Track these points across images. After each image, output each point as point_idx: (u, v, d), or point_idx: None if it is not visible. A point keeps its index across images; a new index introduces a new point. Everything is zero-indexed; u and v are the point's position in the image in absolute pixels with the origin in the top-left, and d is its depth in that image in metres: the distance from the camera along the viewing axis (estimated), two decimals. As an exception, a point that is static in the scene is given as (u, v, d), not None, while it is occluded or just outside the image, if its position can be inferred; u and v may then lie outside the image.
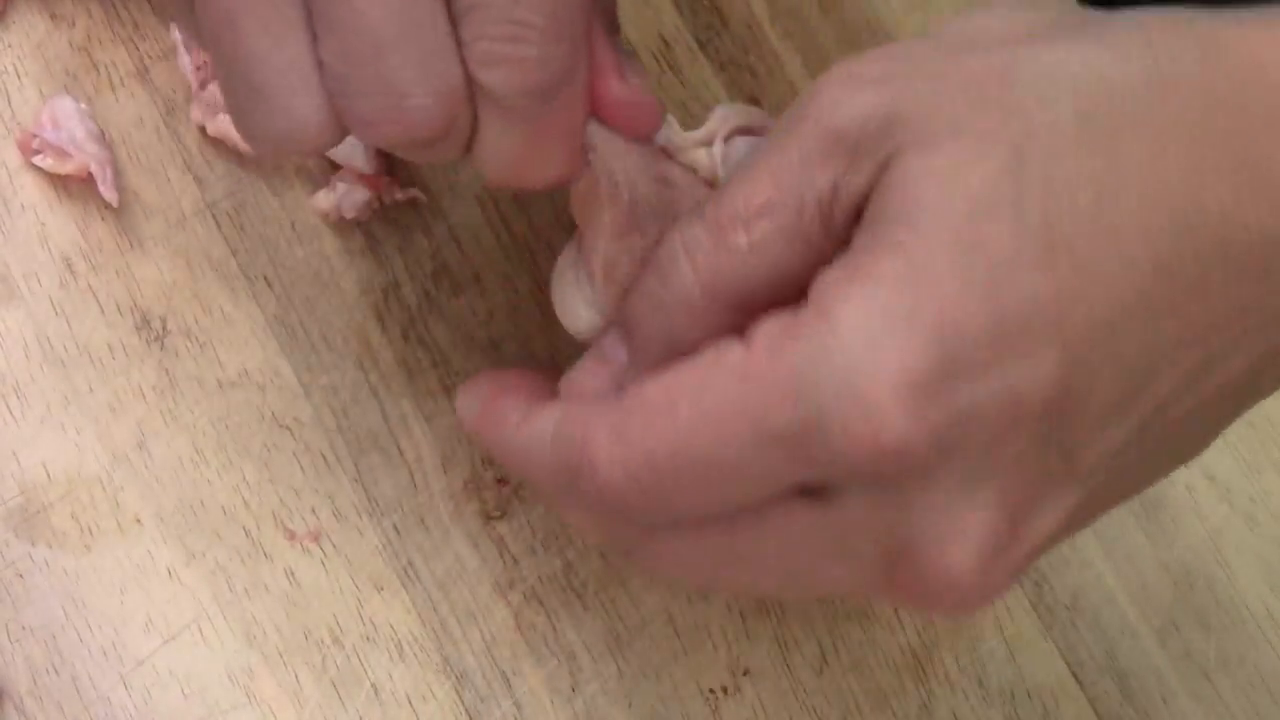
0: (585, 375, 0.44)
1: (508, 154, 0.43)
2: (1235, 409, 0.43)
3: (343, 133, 0.42)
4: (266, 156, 0.42)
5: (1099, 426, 0.40)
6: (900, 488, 0.39)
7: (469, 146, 0.43)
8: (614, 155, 0.45)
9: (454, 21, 0.41)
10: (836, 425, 0.38)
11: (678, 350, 0.42)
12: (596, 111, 0.44)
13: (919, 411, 0.38)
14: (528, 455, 0.43)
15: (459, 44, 0.41)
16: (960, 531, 0.40)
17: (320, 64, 0.41)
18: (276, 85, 0.41)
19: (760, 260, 0.41)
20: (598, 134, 0.44)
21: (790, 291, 0.41)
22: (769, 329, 0.39)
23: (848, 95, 0.40)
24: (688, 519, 0.42)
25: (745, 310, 0.41)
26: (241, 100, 0.42)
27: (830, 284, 0.39)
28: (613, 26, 0.45)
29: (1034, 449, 0.39)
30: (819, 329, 0.39)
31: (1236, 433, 0.58)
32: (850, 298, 0.38)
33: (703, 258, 0.42)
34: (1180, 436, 0.42)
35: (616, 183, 0.44)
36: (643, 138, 0.45)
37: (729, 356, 0.40)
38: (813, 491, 0.40)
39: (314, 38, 0.41)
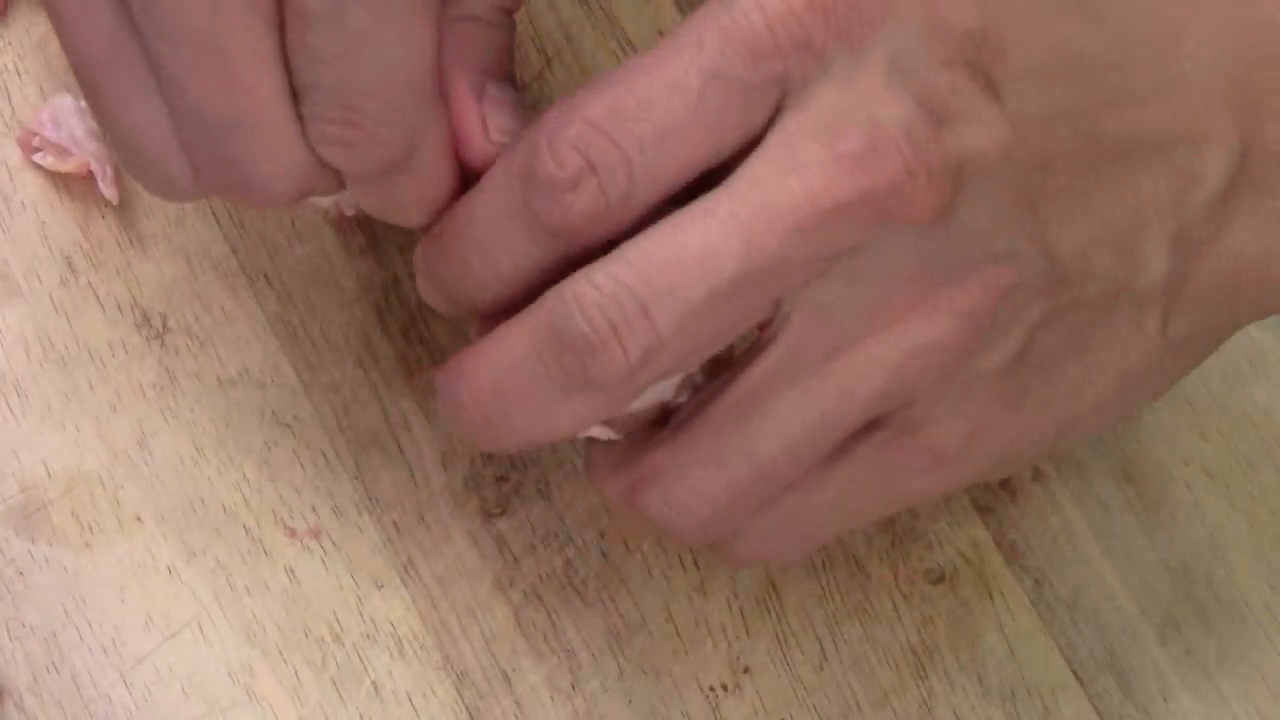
0: None
1: (375, 209, 0.45)
2: (1167, 225, 0.44)
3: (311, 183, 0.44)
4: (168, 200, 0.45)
5: (1022, 77, 0.42)
6: (831, 59, 0.42)
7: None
8: None
9: (295, 98, 0.42)
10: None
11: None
12: (465, 165, 0.45)
13: None
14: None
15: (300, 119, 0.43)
16: (887, 108, 0.42)
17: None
18: (143, 145, 0.43)
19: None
20: None
21: None
22: None
23: None
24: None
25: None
26: (122, 155, 0.44)
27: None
28: (493, 72, 0.45)
29: (958, 66, 0.41)
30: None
31: (1236, 430, 0.58)
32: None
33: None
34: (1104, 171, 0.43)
35: None
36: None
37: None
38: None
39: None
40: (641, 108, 0.42)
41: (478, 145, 0.45)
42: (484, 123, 0.45)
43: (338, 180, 0.45)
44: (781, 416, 0.44)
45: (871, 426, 0.45)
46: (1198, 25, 0.43)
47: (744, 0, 0.42)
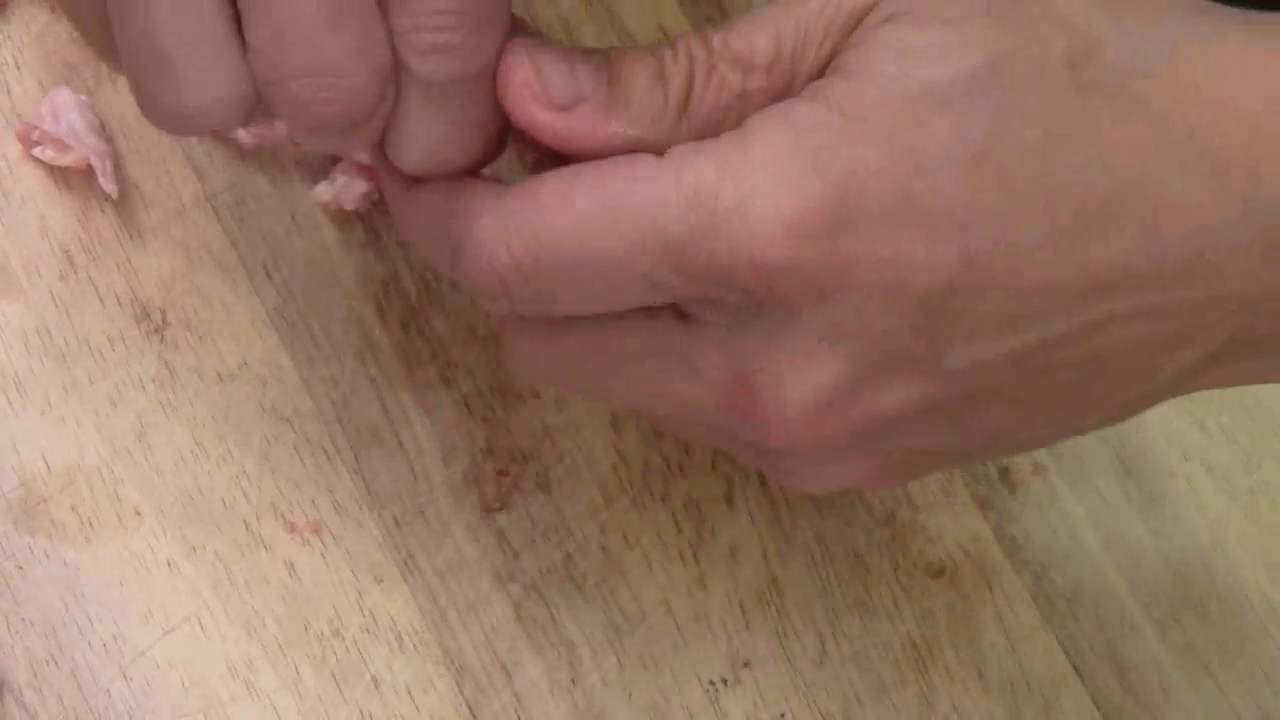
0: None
1: (434, 137, 0.43)
2: (1142, 386, 0.43)
3: (249, 115, 0.42)
4: (167, 131, 0.42)
5: (975, 336, 0.41)
6: (762, 316, 0.41)
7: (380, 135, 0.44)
8: None
9: (383, 9, 0.41)
10: (723, 237, 0.40)
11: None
12: None
13: (801, 246, 0.39)
14: (414, 219, 0.44)
15: (391, 33, 0.41)
16: (804, 372, 0.41)
17: (245, 45, 0.41)
18: (189, 57, 0.41)
19: (739, 108, 0.42)
20: None
21: None
22: (687, 146, 0.41)
23: None
24: (557, 314, 0.43)
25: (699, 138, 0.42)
26: (148, 72, 0.41)
27: (760, 115, 0.41)
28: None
29: (903, 329, 0.41)
30: (732, 150, 0.40)
31: (1236, 424, 0.58)
32: (771, 129, 0.40)
33: (695, 81, 0.42)
34: (1070, 390, 0.42)
35: None
36: None
37: (639, 163, 0.41)
38: (682, 314, 0.42)
39: (234, 14, 0.41)
40: (560, 269, 0.42)
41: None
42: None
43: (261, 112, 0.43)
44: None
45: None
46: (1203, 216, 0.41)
47: (700, 224, 0.40)
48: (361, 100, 0.41)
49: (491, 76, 0.43)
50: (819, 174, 0.39)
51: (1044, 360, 0.41)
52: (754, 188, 0.40)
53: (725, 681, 0.54)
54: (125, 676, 0.51)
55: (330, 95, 0.41)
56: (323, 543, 0.53)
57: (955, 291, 0.40)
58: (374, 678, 0.52)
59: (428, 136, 0.43)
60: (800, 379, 0.41)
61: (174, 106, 0.41)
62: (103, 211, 0.54)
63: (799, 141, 0.40)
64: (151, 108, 0.42)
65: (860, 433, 0.42)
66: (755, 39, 0.42)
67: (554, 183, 0.42)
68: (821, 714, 0.54)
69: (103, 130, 0.54)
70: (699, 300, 0.42)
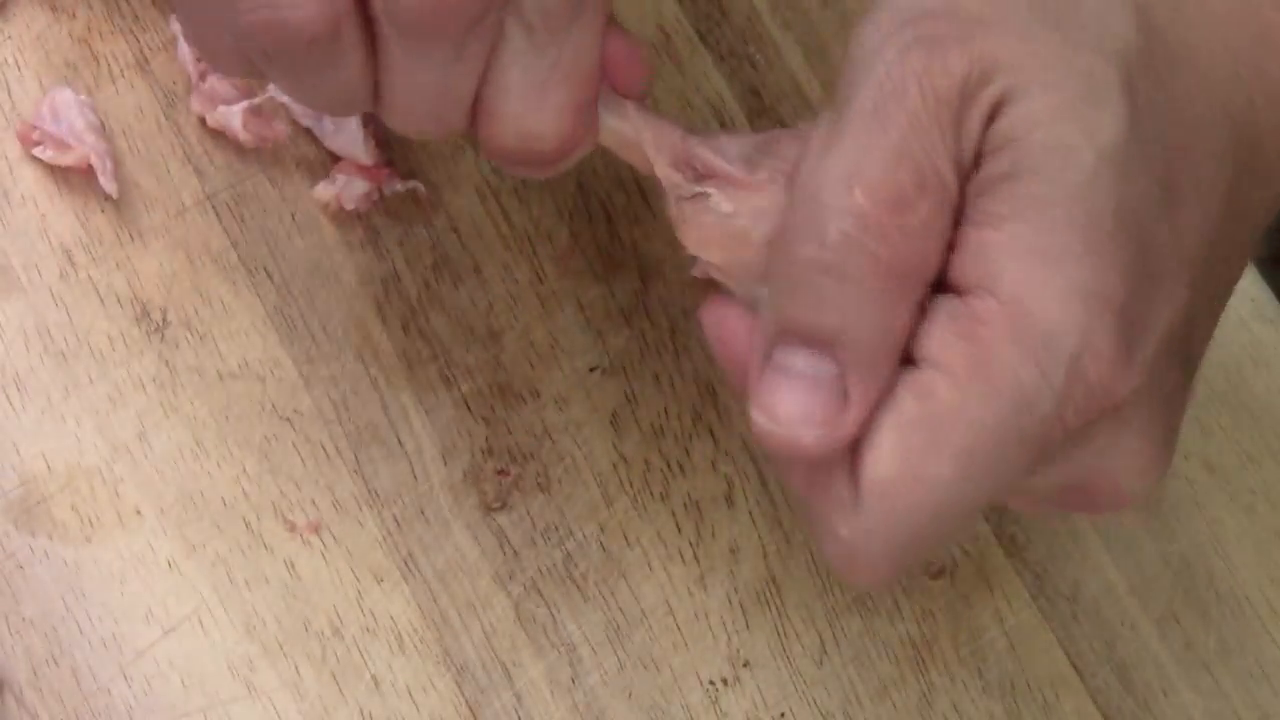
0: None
1: (412, 97, 0.43)
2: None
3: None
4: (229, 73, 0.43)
5: (1203, 337, 0.43)
6: (1101, 426, 0.40)
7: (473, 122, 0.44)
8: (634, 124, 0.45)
9: None
10: (1077, 396, 0.39)
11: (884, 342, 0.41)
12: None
13: (1132, 361, 0.39)
14: None
15: None
16: (1136, 462, 0.42)
17: None
18: None
19: (930, 236, 0.40)
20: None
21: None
22: (956, 354, 0.39)
23: (939, 58, 0.40)
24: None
25: (922, 283, 0.41)
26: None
27: (1000, 262, 0.39)
28: None
29: (1175, 372, 0.41)
30: (1017, 320, 0.39)
31: (1236, 424, 0.58)
32: (1030, 278, 0.39)
33: (883, 247, 0.40)
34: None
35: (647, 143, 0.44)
36: (634, 92, 0.45)
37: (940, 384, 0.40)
38: None
39: None
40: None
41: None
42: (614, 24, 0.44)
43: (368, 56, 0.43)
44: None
45: None
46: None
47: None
48: (305, 28, 0.41)
49: (472, 34, 0.42)
50: (1100, 300, 0.39)
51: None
52: (1071, 344, 0.39)
53: (725, 681, 0.54)
54: (125, 675, 0.51)
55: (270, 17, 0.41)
56: (323, 542, 0.53)
57: (1193, 314, 0.41)
58: (374, 677, 0.52)
59: (406, 95, 0.43)
60: (1136, 469, 0.42)
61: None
62: (103, 211, 0.54)
63: (1059, 279, 0.39)
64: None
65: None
66: (885, 174, 0.40)
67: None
68: (821, 714, 0.54)
69: (103, 130, 0.54)
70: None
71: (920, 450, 0.39)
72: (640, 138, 0.44)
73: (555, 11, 0.42)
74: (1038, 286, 0.39)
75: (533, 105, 0.44)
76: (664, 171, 0.44)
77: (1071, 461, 0.41)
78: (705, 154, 0.43)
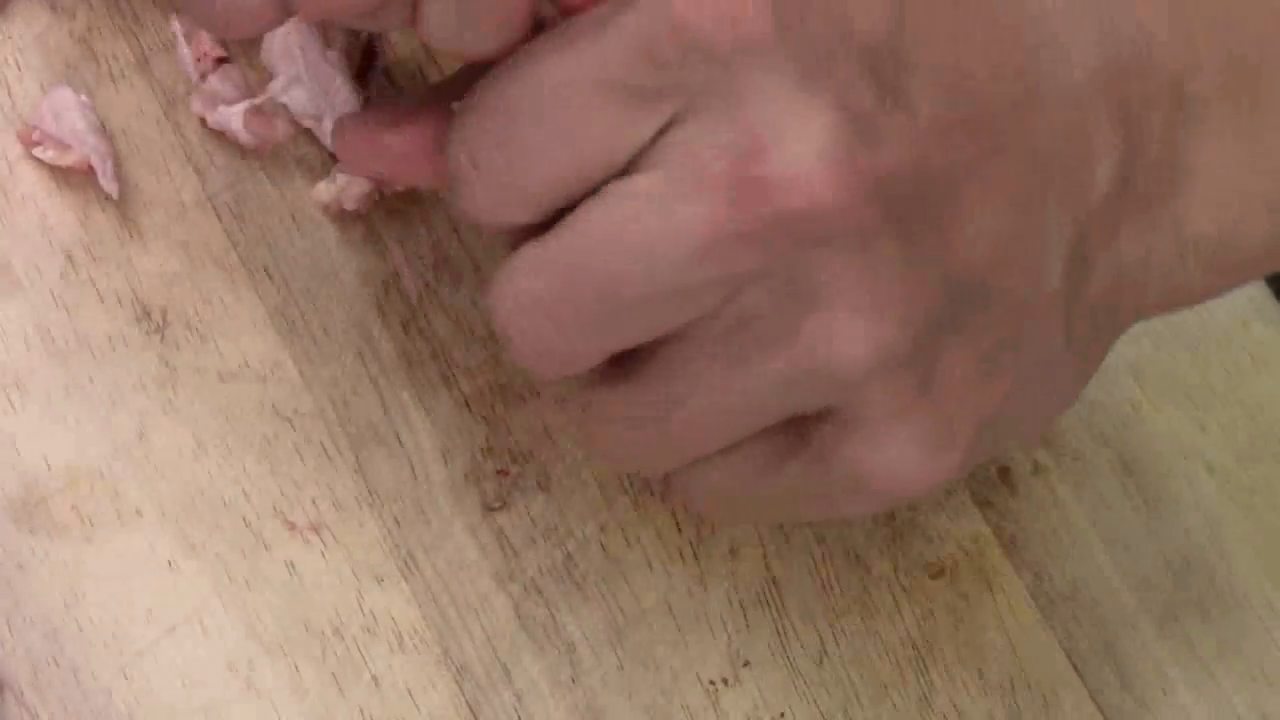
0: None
1: (450, 27, 0.43)
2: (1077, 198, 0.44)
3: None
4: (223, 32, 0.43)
5: (927, 93, 0.41)
6: (739, 66, 0.40)
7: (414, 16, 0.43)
8: None
9: None
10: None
11: None
12: None
13: None
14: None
15: None
16: (802, 122, 0.40)
17: None
18: None
19: None
20: None
21: None
22: None
23: None
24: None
25: None
26: None
27: None
28: None
29: (866, 79, 0.40)
30: None
31: (1235, 423, 0.58)
32: None
33: None
34: (1023, 179, 0.43)
35: None
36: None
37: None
38: None
39: None
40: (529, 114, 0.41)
41: None
42: None
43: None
44: (697, 394, 0.43)
45: (801, 440, 0.44)
46: (1082, 34, 0.43)
47: (644, 3, 0.40)
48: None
49: None
50: None
51: (993, 137, 0.41)
52: None
53: (725, 681, 0.54)
54: (126, 675, 0.51)
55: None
56: (323, 542, 0.53)
57: (895, 48, 0.40)
58: (374, 677, 0.52)
59: (451, 27, 0.42)
60: (801, 129, 0.40)
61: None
62: (103, 211, 0.54)
63: None
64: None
65: (882, 197, 0.41)
66: None
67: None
68: (821, 714, 0.54)
69: (103, 130, 0.54)
70: (670, 88, 0.40)
71: None
72: None
73: None
74: None
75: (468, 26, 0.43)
76: None
77: (726, 121, 0.40)
78: None
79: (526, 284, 0.42)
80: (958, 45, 0.41)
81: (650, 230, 0.41)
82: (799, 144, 0.40)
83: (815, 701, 0.54)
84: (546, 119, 0.41)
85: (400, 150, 0.46)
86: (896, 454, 0.43)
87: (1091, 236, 0.44)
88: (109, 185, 0.53)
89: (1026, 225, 0.43)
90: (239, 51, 0.55)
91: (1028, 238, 0.43)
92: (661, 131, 0.41)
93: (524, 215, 0.42)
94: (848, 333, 0.41)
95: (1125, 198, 0.44)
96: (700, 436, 0.44)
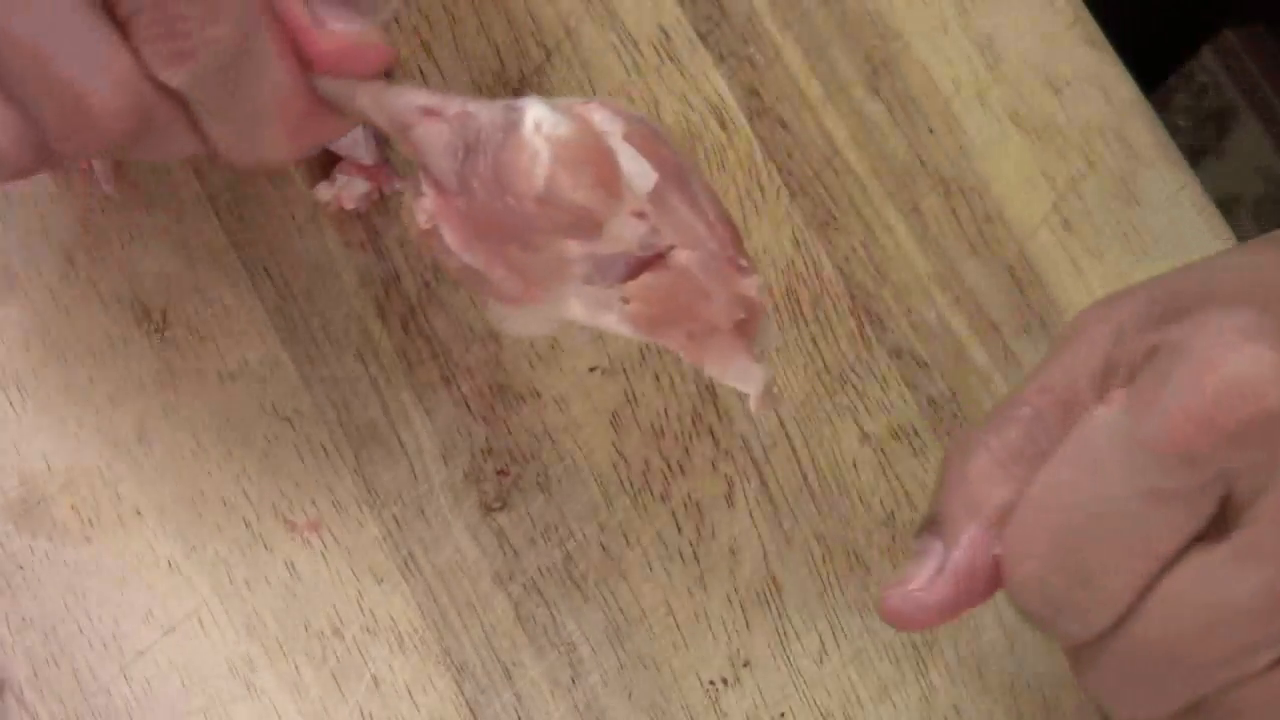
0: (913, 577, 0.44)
1: (240, 146, 0.44)
2: None
3: (43, 154, 0.43)
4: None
5: None
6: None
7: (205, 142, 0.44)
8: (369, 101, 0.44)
9: (124, 34, 0.42)
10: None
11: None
12: (320, 69, 0.44)
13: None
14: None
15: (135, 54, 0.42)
16: None
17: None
18: None
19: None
20: (329, 85, 0.44)
21: None
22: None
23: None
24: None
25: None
26: None
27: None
28: None
29: None
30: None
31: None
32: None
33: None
34: None
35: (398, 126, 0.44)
36: (373, 75, 0.45)
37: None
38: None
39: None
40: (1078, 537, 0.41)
41: (317, 39, 0.44)
42: (312, 18, 0.44)
43: (183, 115, 0.43)
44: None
45: None
46: None
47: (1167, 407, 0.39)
48: (112, 113, 0.42)
49: (247, 65, 0.42)
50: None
51: None
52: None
53: (726, 681, 0.54)
54: (125, 675, 0.51)
55: (79, 111, 0.42)
56: (323, 542, 0.53)
57: None
58: (374, 677, 0.52)
59: (227, 137, 0.44)
60: None
61: None
62: (103, 212, 0.54)
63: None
64: None
65: None
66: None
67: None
68: (821, 714, 0.54)
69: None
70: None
71: None
72: (375, 117, 0.44)
73: (219, 79, 0.43)
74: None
75: (250, 147, 0.44)
76: (403, 144, 0.44)
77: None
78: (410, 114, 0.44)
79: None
80: None
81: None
82: None
83: (815, 702, 0.54)
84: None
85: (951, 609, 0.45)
86: None
87: None
88: (108, 185, 0.53)
89: None
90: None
91: None
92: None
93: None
94: None
95: None
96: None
